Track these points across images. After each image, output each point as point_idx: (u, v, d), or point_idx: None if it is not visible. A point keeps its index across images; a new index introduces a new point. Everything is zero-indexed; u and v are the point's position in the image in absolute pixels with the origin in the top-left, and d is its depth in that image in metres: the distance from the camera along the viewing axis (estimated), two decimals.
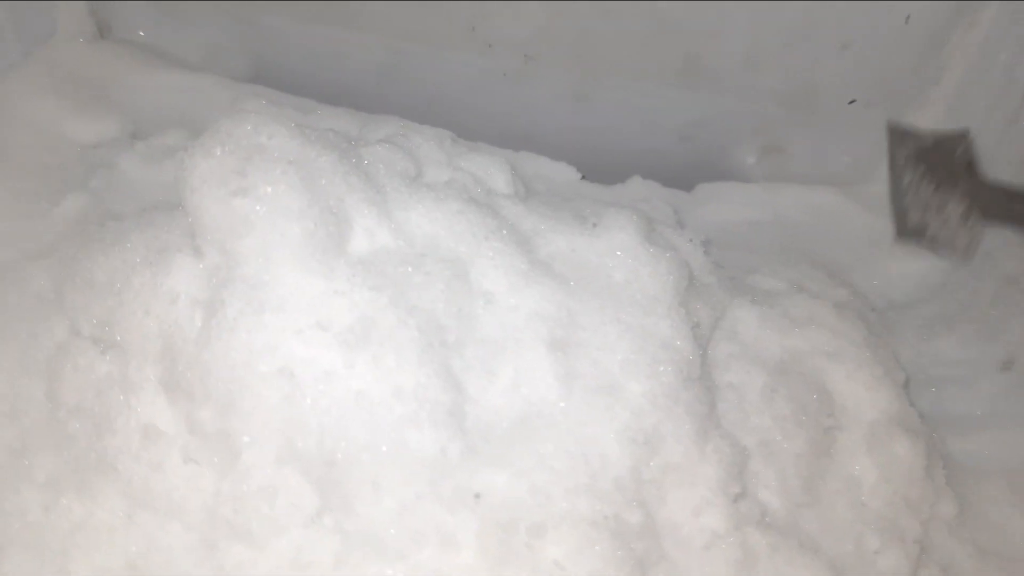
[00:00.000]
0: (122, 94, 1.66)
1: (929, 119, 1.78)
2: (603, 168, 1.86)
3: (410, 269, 0.96)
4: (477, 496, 0.89)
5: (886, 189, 1.82)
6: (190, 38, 1.90)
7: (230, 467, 0.86)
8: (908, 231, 1.43)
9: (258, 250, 0.88)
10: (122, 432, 0.89)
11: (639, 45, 1.82)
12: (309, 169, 0.94)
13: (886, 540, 1.06)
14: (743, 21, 1.75)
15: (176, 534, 0.87)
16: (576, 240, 1.12)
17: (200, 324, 0.89)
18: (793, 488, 1.05)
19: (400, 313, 0.90)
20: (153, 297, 0.91)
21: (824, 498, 1.08)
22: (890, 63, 1.77)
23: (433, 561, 0.85)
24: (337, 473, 0.86)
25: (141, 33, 1.86)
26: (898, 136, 1.48)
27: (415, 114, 1.76)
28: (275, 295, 0.87)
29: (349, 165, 1.00)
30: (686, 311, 1.06)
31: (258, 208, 0.88)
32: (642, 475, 0.95)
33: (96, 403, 0.91)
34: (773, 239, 1.70)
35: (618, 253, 1.10)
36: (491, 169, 1.30)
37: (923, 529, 1.10)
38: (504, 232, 1.07)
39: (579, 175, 1.84)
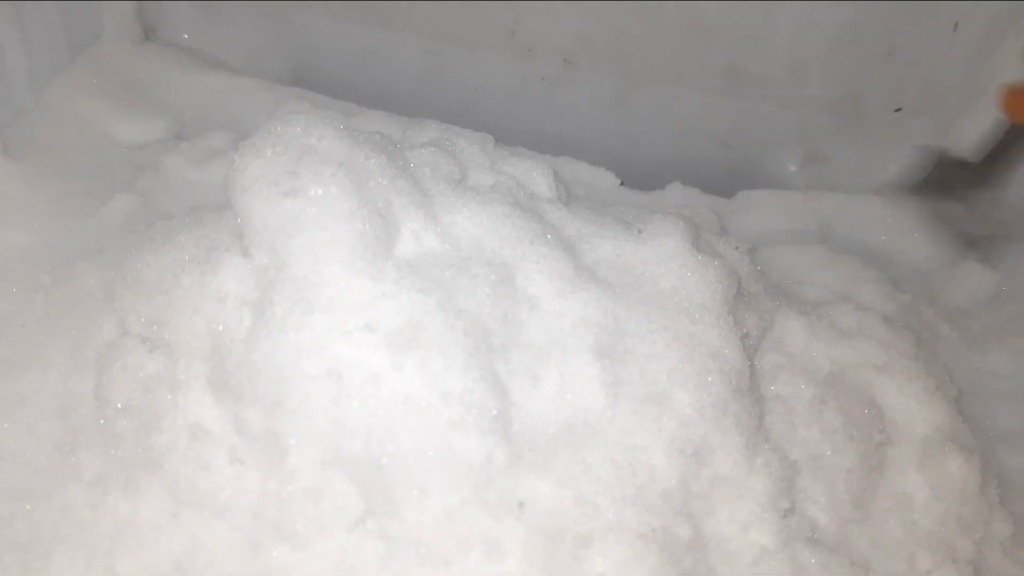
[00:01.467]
0: (167, 95, 1.67)
1: (977, 128, 1.74)
2: (642, 174, 1.85)
3: (456, 272, 0.96)
4: (522, 504, 0.88)
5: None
6: (233, 41, 1.92)
7: (276, 468, 0.86)
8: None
9: (307, 251, 0.88)
10: (169, 431, 0.89)
11: (680, 51, 1.80)
12: (358, 171, 0.93)
13: (938, 560, 1.03)
14: (788, 28, 1.73)
15: (221, 534, 0.87)
16: (621, 246, 1.11)
17: (249, 324, 0.89)
18: (843, 504, 1.03)
19: (447, 316, 0.89)
20: (202, 296, 0.91)
21: (874, 515, 1.06)
22: (937, 70, 1.74)
23: (478, 569, 0.84)
24: (383, 477, 0.85)
25: (185, 36, 1.88)
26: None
27: (454, 117, 1.76)
28: (324, 296, 0.87)
29: (397, 168, 1.00)
30: (734, 320, 1.04)
31: (309, 209, 0.88)
32: (691, 487, 0.93)
33: (144, 401, 0.91)
34: (817, 248, 1.66)
35: (665, 260, 1.08)
36: (533, 173, 1.29)
37: (976, 549, 1.07)
38: (549, 237, 1.06)
39: (618, 180, 1.82)
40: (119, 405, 0.92)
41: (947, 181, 1.46)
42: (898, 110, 1.81)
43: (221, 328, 0.90)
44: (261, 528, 0.86)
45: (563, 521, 0.87)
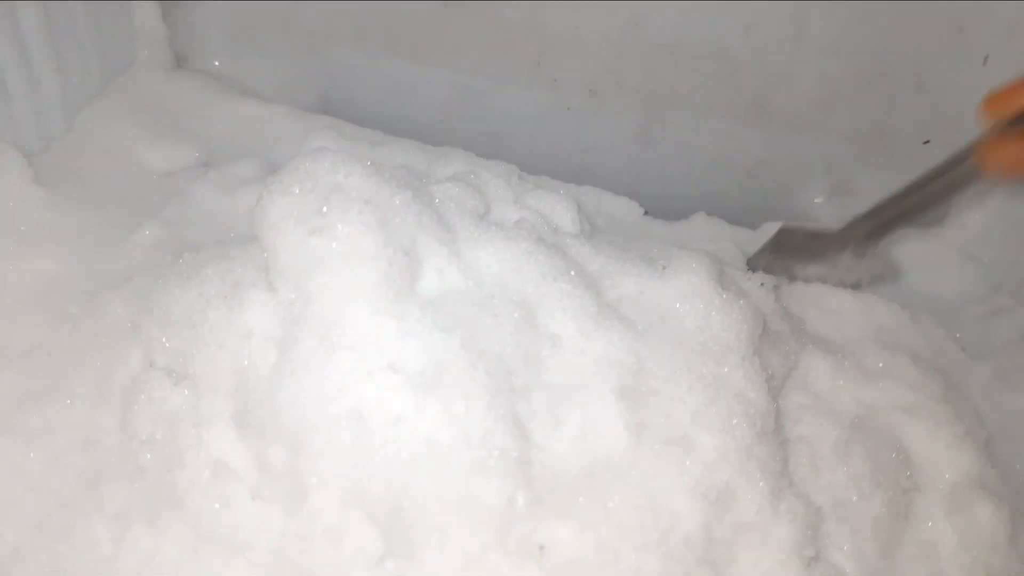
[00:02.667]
0: (196, 123, 1.70)
1: None
2: (666, 204, 1.84)
3: (479, 310, 0.96)
4: (542, 549, 0.87)
5: (962, 234, 1.77)
6: (263, 70, 1.94)
7: (297, 507, 0.86)
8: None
9: (333, 289, 0.89)
10: (192, 466, 0.89)
11: (707, 83, 1.80)
12: (384, 209, 0.94)
13: None
14: (815, 60, 1.72)
15: (241, 571, 0.87)
16: (645, 283, 1.10)
17: (273, 361, 0.89)
18: (868, 552, 1.01)
19: (470, 356, 0.89)
20: (227, 331, 0.92)
21: (900, 564, 1.04)
22: (967, 104, 1.72)
23: None
24: (403, 519, 0.85)
25: (216, 63, 1.91)
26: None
27: (480, 147, 1.77)
28: (348, 335, 0.87)
29: (422, 204, 1.00)
30: (759, 361, 1.03)
31: (334, 247, 0.89)
32: (713, 534, 0.92)
33: (168, 436, 0.91)
34: None
35: (689, 298, 1.07)
36: (557, 207, 1.29)
37: None
38: (572, 274, 1.06)
39: (642, 211, 1.82)
40: (143, 438, 0.93)
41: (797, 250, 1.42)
42: (927, 143, 1.80)
43: (246, 364, 0.90)
44: (281, 567, 0.86)
45: (584, 567, 0.86)
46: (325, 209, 0.90)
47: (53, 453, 0.99)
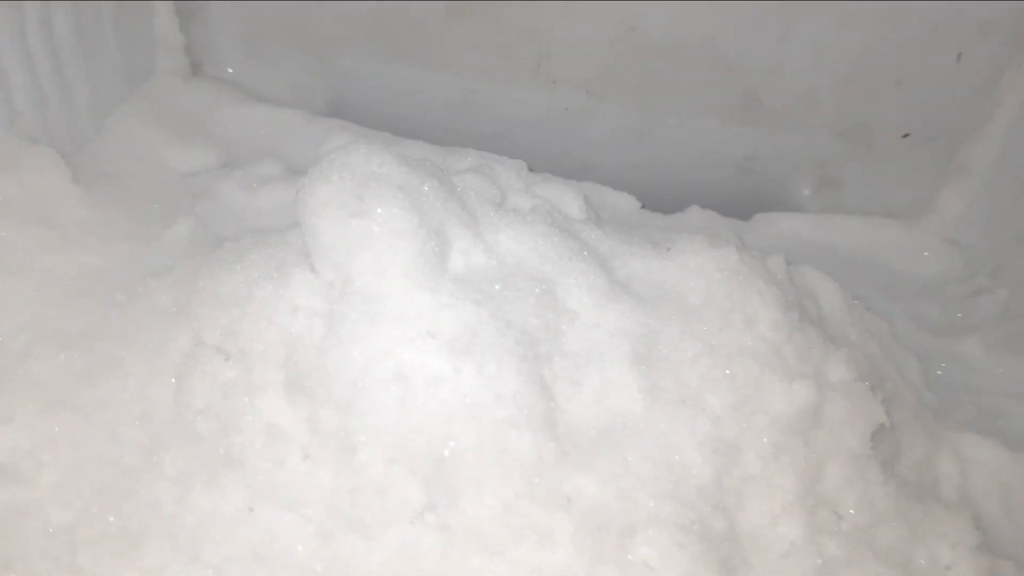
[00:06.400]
0: (215, 126, 1.78)
1: (984, 154, 1.83)
2: (663, 198, 1.94)
3: (503, 286, 1.04)
4: (569, 499, 0.96)
5: (943, 221, 1.87)
6: (274, 75, 2.03)
7: (346, 464, 0.94)
8: None
9: (373, 266, 0.97)
10: (247, 431, 0.97)
11: (700, 82, 1.90)
12: (415, 194, 1.02)
13: None
14: (801, 59, 1.82)
15: (295, 525, 0.95)
16: (651, 263, 1.19)
17: (320, 333, 0.98)
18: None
19: (499, 325, 0.98)
20: (275, 308, 1.00)
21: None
22: (944, 99, 1.83)
23: (531, 557, 0.92)
24: (444, 472, 0.93)
25: (230, 70, 1.99)
26: None
27: (484, 147, 1.85)
28: (389, 307, 0.96)
29: (447, 191, 1.09)
30: (760, 329, 1.12)
31: (374, 228, 0.97)
32: (723, 483, 1.01)
33: (222, 405, 0.99)
34: (829, 267, 1.75)
35: (692, 275, 1.17)
36: (565, 196, 1.39)
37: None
38: (585, 254, 1.15)
39: (640, 204, 1.91)
40: (199, 408, 1.01)
41: None
42: (906, 136, 1.90)
43: (294, 337, 0.99)
44: (332, 520, 0.94)
45: (607, 514, 0.94)
46: (364, 195, 0.99)
47: (111, 426, 1.06)
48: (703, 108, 1.95)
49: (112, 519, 0.98)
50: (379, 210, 0.98)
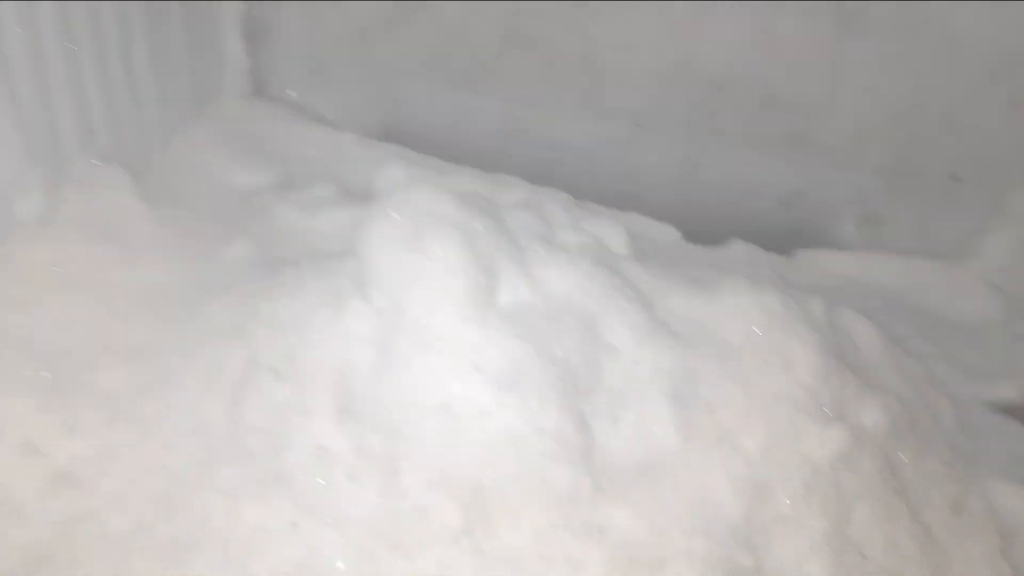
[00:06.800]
0: (274, 147, 1.86)
1: None
2: (705, 230, 1.96)
3: (548, 322, 1.08)
4: (602, 529, 0.99)
5: (986, 266, 1.86)
6: (332, 97, 2.11)
7: (390, 486, 0.98)
8: None
9: (426, 300, 1.02)
10: (297, 450, 1.02)
11: (748, 117, 1.93)
12: (468, 232, 1.07)
13: None
14: (851, 97, 1.84)
15: (338, 542, 0.99)
16: (692, 301, 1.22)
17: (371, 360, 1.03)
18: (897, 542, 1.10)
19: (543, 361, 1.02)
20: (331, 335, 1.05)
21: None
22: (994, 143, 1.82)
23: None
24: (482, 499, 0.97)
25: (291, 92, 2.07)
26: None
27: (531, 173, 1.91)
28: (438, 339, 1.00)
29: (498, 228, 1.14)
30: (799, 372, 1.14)
31: (428, 264, 1.02)
32: (753, 522, 1.03)
33: (274, 424, 1.05)
34: (869, 305, 1.75)
35: (732, 316, 1.19)
36: (610, 232, 1.42)
37: None
38: (628, 291, 1.18)
39: (681, 235, 1.94)
40: (252, 426, 1.06)
41: None
42: (954, 177, 1.90)
43: (347, 363, 1.04)
44: (373, 539, 0.98)
45: (639, 547, 0.97)
46: (421, 232, 1.04)
47: (167, 437, 1.12)
48: (750, 142, 1.98)
49: (166, 528, 1.03)
50: (434, 247, 1.03)
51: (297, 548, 1.00)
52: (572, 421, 1.00)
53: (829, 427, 1.09)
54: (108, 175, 1.46)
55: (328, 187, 1.68)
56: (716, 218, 2.05)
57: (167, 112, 1.68)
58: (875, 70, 1.80)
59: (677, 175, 2.06)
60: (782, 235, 2.02)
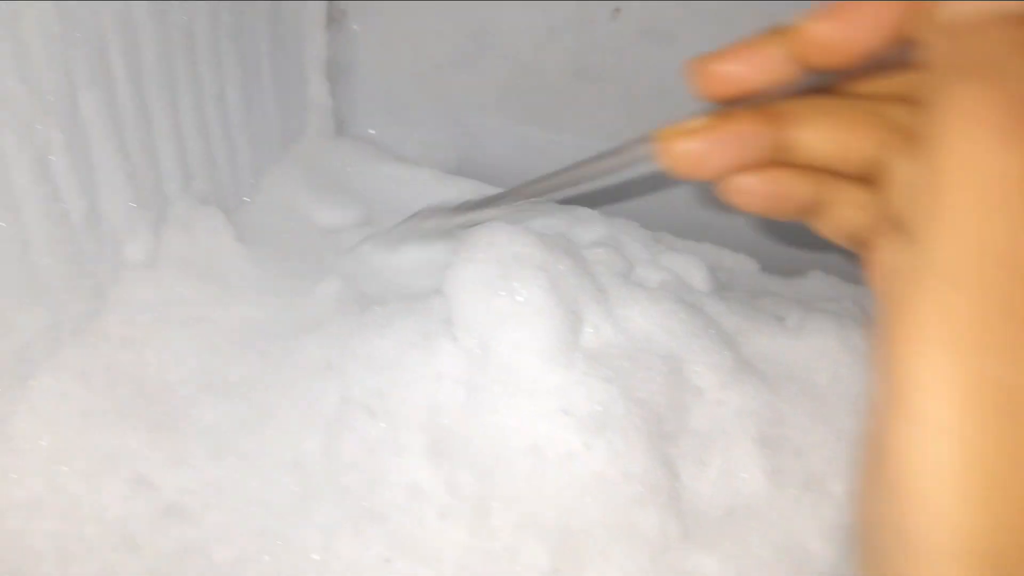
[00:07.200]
0: (357, 185, 1.92)
1: None
2: (782, 261, 1.94)
3: (632, 363, 1.09)
4: (690, 575, 0.99)
5: None
6: (408, 135, 2.17)
7: (480, 526, 1.01)
8: None
9: (513, 342, 1.05)
10: (392, 487, 1.06)
11: None
12: (553, 273, 1.09)
13: None
14: None
15: None
16: (777, 341, 1.22)
17: (462, 400, 1.06)
18: None
19: (629, 404, 1.03)
20: (422, 375, 1.09)
21: None
22: None
23: None
24: (571, 542, 0.98)
25: (371, 131, 2.15)
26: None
27: (604, 205, 1.93)
28: (526, 381, 1.03)
29: (580, 268, 1.16)
30: None
31: (515, 307, 1.05)
32: (843, 571, 1.02)
33: (368, 461, 1.08)
34: None
35: (819, 356, 1.19)
36: (690, 267, 1.43)
37: None
38: (711, 331, 1.19)
39: (758, 266, 1.92)
40: (347, 462, 1.10)
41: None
42: None
43: (438, 402, 1.07)
44: None
45: None
46: (508, 274, 1.07)
47: (267, 472, 1.17)
48: None
49: (267, 559, 1.08)
50: (521, 289, 1.06)
51: None
52: (659, 465, 1.01)
53: None
54: (205, 216, 1.54)
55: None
56: (794, 249, 2.02)
57: (257, 153, 1.76)
58: None
59: None
60: (861, 266, 1.99)
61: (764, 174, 0.62)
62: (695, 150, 0.62)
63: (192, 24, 1.49)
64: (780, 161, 0.61)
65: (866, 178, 0.62)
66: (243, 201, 1.72)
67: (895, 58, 0.58)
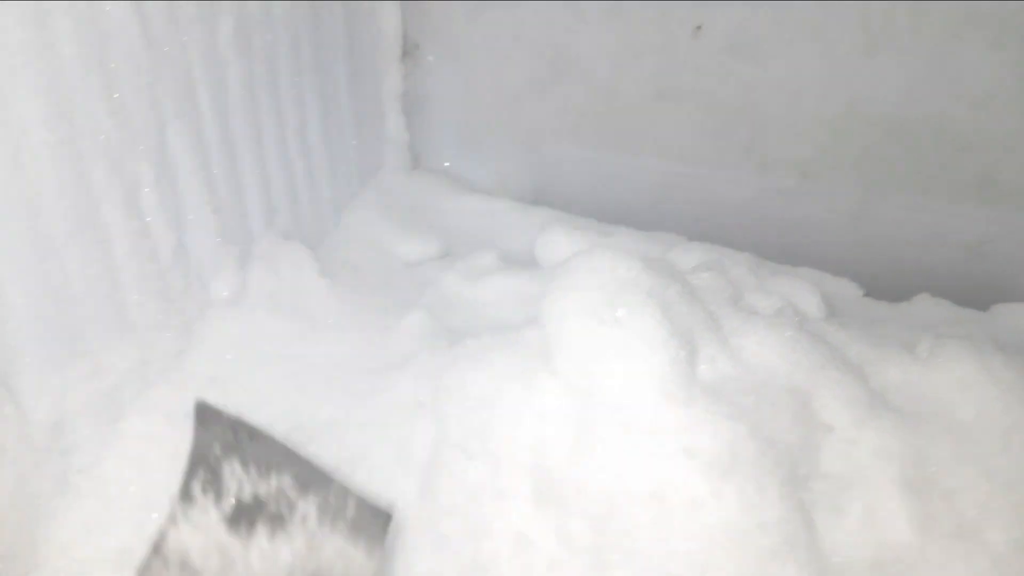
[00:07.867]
0: (435, 217, 1.88)
1: None
2: (885, 284, 1.82)
3: (757, 399, 1.00)
4: None
5: None
6: (483, 166, 2.13)
7: None
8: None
9: (624, 375, 0.96)
10: (496, 537, 0.98)
11: (928, 160, 1.79)
12: (663, 300, 1.01)
13: None
14: None
15: None
16: (909, 370, 1.11)
17: (569, 440, 0.98)
18: None
19: (759, 445, 0.93)
20: (523, 413, 1.01)
21: None
22: None
23: None
24: None
25: (446, 164, 2.11)
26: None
27: (687, 229, 1.84)
28: (641, 418, 0.94)
29: (690, 295, 1.07)
30: None
31: (625, 337, 0.97)
32: None
33: (469, 507, 1.01)
34: None
35: (960, 387, 1.07)
36: (802, 292, 1.33)
37: None
38: (838, 361, 1.08)
39: (862, 291, 1.80)
40: (445, 508, 1.03)
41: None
42: None
43: (541, 442, 0.99)
44: None
45: None
46: (614, 301, 0.99)
47: None
48: (931, 187, 1.83)
49: None
50: (631, 318, 0.98)
51: None
52: (795, 513, 0.91)
53: None
54: (289, 251, 1.51)
55: (489, 255, 1.67)
56: (897, 271, 1.90)
57: (337, 188, 1.74)
58: None
59: (850, 225, 1.93)
60: (974, 287, 1.85)
61: None
62: None
63: (275, 58, 1.48)
64: None
65: None
66: (325, 236, 1.69)
67: None
